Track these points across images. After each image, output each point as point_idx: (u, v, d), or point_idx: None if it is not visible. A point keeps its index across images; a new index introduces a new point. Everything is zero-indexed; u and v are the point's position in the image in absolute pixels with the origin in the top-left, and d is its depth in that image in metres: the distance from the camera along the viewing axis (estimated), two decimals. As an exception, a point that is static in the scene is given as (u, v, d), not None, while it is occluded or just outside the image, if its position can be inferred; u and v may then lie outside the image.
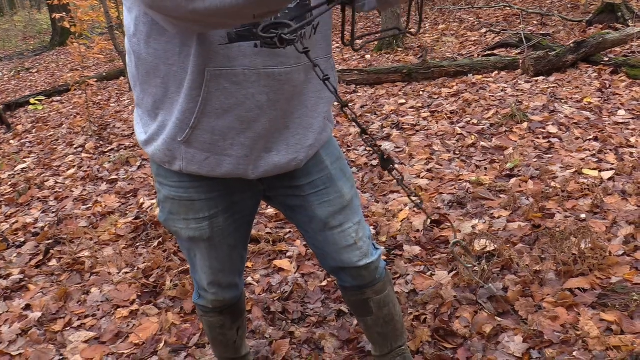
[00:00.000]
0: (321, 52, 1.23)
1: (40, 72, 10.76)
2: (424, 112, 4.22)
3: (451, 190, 2.97)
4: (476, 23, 7.18)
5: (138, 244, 2.91)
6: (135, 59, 1.15)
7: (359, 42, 0.89)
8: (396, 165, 3.32)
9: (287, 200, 1.41)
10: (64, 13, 6.26)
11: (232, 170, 1.22)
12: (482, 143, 3.52)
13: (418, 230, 2.60)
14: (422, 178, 3.17)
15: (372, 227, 2.68)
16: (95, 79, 6.12)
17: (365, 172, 3.36)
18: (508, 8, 7.50)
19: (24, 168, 4.73)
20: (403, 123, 4.05)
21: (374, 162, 3.46)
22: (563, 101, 4.03)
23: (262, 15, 0.79)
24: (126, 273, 2.63)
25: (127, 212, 3.35)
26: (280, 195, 1.41)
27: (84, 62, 5.69)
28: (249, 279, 2.41)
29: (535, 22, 6.80)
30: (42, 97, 6.93)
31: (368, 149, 3.68)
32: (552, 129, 3.56)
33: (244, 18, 0.81)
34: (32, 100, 6.42)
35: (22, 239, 3.24)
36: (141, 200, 3.45)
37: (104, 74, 8.36)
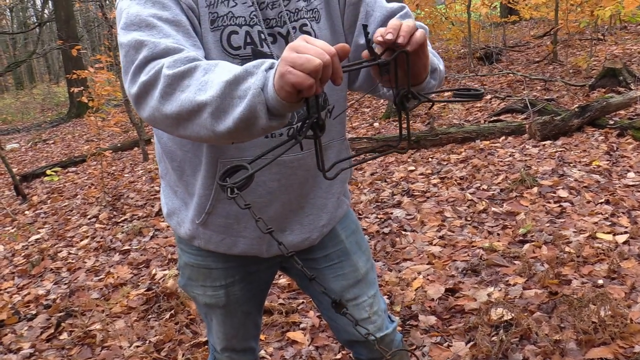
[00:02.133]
0: (336, 135, 1.27)
1: (56, 143, 11.06)
2: (434, 179, 4.26)
3: (464, 257, 2.95)
4: (481, 90, 7.33)
5: (150, 316, 2.89)
6: (158, 139, 1.23)
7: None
8: (408, 233, 3.33)
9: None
10: (82, 87, 6.51)
11: (247, 250, 1.27)
12: (493, 209, 3.52)
13: (433, 299, 2.57)
14: (435, 245, 3.16)
15: (386, 296, 2.65)
16: (110, 150, 6.25)
17: (377, 240, 3.36)
18: (511, 75, 7.70)
19: (37, 239, 4.77)
20: (413, 190, 4.08)
21: (386, 230, 3.46)
22: (572, 165, 4.06)
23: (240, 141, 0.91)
24: (137, 347, 2.59)
25: (139, 283, 3.34)
26: (296, 267, 1.42)
27: (100, 134, 5.84)
28: (262, 352, 2.37)
29: (539, 88, 6.95)
30: (58, 168, 7.09)
31: (380, 216, 3.70)
32: (563, 193, 3.57)
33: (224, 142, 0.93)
34: (48, 172, 6.56)
35: (34, 311, 3.22)
36: (153, 271, 3.45)
37: (119, 145, 8.57)
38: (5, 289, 3.79)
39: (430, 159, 4.84)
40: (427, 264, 2.94)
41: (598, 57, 7.72)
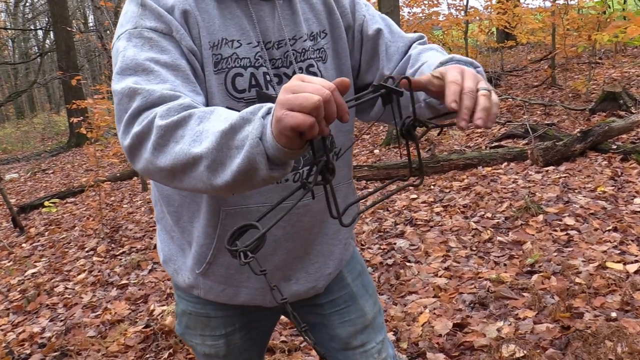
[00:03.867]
0: (342, 178, 1.22)
1: (55, 173, 11.01)
2: (437, 207, 4.19)
3: (471, 289, 2.87)
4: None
5: (148, 356, 2.79)
6: (155, 182, 1.16)
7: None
8: (412, 264, 3.25)
9: (308, 317, 1.35)
10: (81, 117, 6.49)
11: (250, 301, 1.21)
12: (498, 238, 3.45)
13: (441, 335, 2.48)
14: (440, 277, 3.08)
15: (392, 332, 2.56)
16: (109, 181, 6.20)
17: (381, 271, 3.28)
18: (510, 100, 7.70)
19: (34, 273, 4.67)
20: (416, 219, 4.02)
21: (390, 261, 3.38)
22: (576, 191, 4.00)
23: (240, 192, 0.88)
24: (134, 389, 2.49)
25: (137, 320, 3.25)
26: (300, 312, 1.36)
27: (99, 164, 5.80)
28: (264, 394, 2.27)
29: (539, 112, 6.94)
30: (56, 200, 7.02)
31: (383, 247, 3.62)
32: (569, 221, 3.50)
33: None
34: (46, 203, 6.49)
35: (28, 351, 3.12)
36: (152, 307, 3.36)
37: (118, 174, 8.53)
38: (0, 326, 3.69)
39: (432, 187, 4.78)
40: (433, 297, 2.86)
41: (596, 81, 7.73)
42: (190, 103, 0.85)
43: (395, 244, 3.64)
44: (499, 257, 3.21)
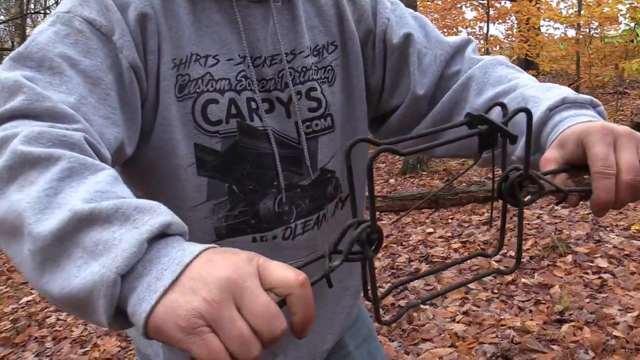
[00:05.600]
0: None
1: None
2: (455, 243, 3.90)
3: (493, 338, 2.56)
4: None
5: (130, 404, 2.52)
6: None
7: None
8: (427, 307, 2.96)
9: None
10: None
11: None
12: (523, 279, 3.14)
13: (458, 394, 2.17)
14: (458, 322, 2.78)
15: (403, 388, 2.27)
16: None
17: (392, 314, 2.99)
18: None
19: (28, 301, 4.46)
20: (432, 255, 3.72)
21: (402, 303, 3.09)
22: (608, 229, 3.68)
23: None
24: None
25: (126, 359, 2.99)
26: None
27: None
28: None
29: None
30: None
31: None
32: (602, 263, 3.18)
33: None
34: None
35: (7, 390, 2.89)
36: (142, 345, 3.10)
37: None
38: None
39: (450, 220, 4.49)
40: (450, 347, 2.55)
41: (623, 111, 7.43)
42: (78, 139, 0.57)
43: (409, 283, 3.35)
44: (523, 301, 2.90)
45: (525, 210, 4.25)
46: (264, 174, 0.82)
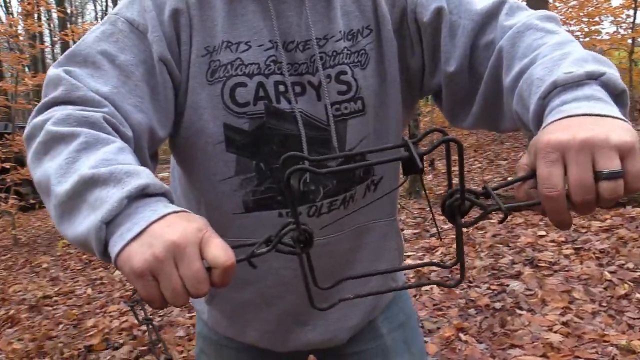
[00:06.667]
0: (382, 214, 0.99)
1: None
2: (567, 249, 3.63)
3: (591, 354, 2.37)
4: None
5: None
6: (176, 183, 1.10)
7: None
8: (524, 312, 2.81)
9: None
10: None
11: (258, 342, 1.05)
12: (638, 295, 2.85)
13: (540, 406, 2.05)
14: (556, 332, 2.60)
15: (482, 390, 2.19)
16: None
17: (485, 315, 2.88)
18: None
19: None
20: (539, 259, 3.50)
21: (497, 305, 2.96)
22: None
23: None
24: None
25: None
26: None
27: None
28: None
29: None
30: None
31: (493, 287, 3.20)
32: None
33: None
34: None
35: (121, 341, 3.25)
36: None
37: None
38: (110, 312, 3.93)
39: (566, 224, 4.18)
40: (541, 356, 2.41)
41: None
42: (100, 117, 0.70)
43: (508, 285, 3.19)
44: (634, 319, 2.64)
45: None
46: None
